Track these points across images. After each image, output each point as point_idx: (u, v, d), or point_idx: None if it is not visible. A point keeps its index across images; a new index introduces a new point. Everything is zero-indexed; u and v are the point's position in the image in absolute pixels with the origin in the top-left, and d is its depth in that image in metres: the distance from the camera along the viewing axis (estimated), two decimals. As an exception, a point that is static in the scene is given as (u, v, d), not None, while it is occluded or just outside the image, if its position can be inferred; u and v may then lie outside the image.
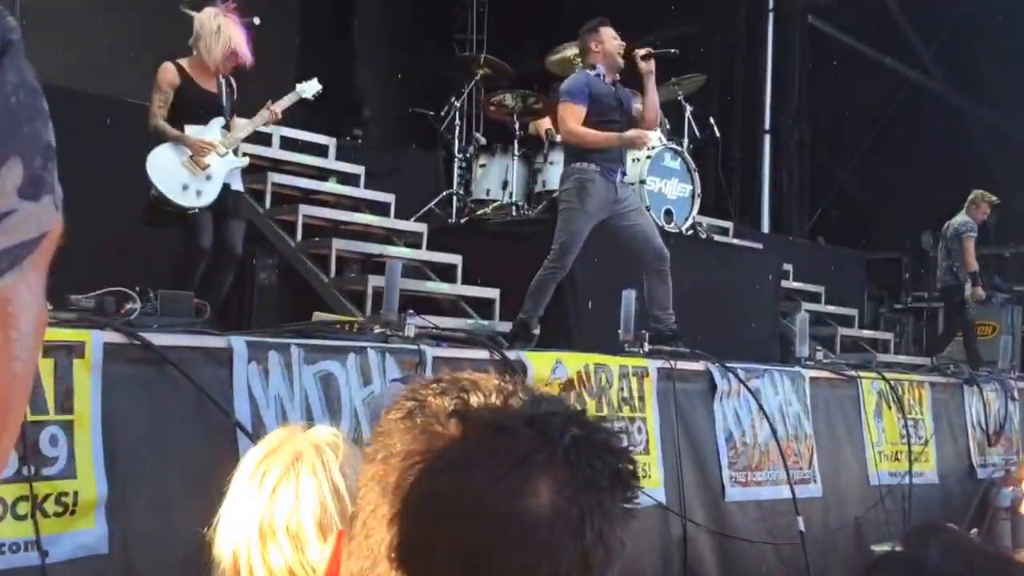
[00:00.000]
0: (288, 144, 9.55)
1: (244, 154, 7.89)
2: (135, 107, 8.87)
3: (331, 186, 9.42)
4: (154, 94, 7.34)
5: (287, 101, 7.92)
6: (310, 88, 8.11)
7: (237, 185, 7.64)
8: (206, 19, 7.44)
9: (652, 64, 8.04)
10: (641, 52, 8.01)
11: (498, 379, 1.22)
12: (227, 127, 7.55)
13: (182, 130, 7.32)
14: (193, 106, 7.41)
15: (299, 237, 8.38)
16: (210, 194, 7.31)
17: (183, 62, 7.46)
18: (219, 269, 7.47)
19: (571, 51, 9.85)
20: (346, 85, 14.29)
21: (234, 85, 7.71)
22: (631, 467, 1.20)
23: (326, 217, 8.83)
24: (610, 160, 7.81)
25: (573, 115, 7.73)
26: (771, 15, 15.69)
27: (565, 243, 7.71)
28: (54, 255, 1.14)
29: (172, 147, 7.27)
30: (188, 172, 7.22)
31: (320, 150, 9.86)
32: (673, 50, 8.58)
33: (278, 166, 9.16)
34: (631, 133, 7.81)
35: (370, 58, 15.12)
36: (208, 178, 7.32)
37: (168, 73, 7.37)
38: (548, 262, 7.73)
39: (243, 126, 7.66)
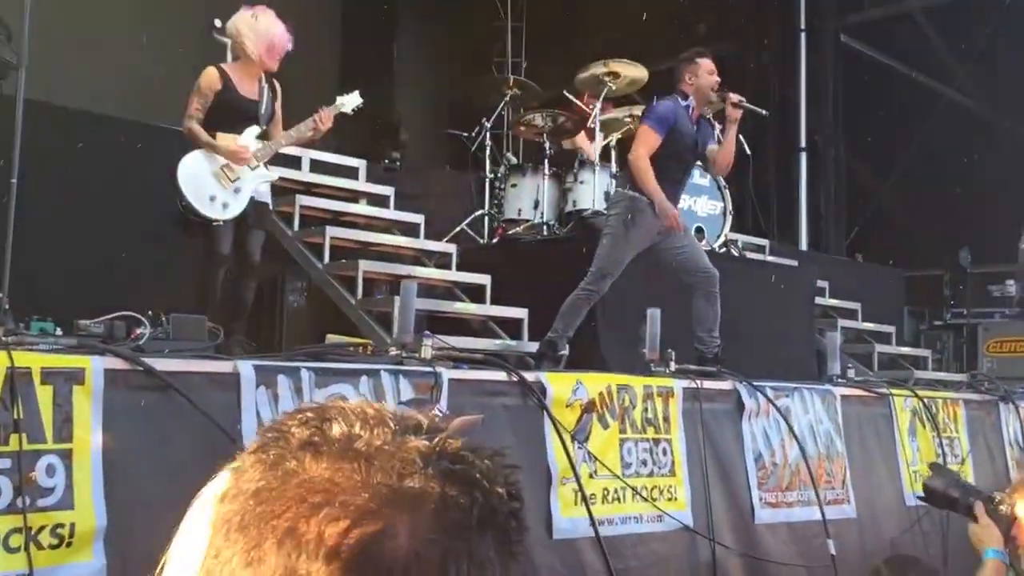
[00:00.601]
0: (318, 167, 9.36)
1: (270, 166, 7.52)
2: (170, 132, 8.76)
3: (360, 207, 9.22)
4: (193, 96, 7.05)
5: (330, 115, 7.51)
6: (351, 101, 7.62)
7: (263, 197, 7.31)
8: (241, 16, 7.17)
9: (739, 113, 7.85)
10: (734, 99, 7.82)
11: (369, 407, 1.09)
12: (263, 136, 7.24)
13: (214, 137, 7.01)
14: (230, 113, 7.11)
15: (326, 259, 8.16)
16: (236, 208, 7.01)
17: (226, 67, 7.22)
18: (240, 279, 7.18)
19: (599, 69, 9.70)
20: (386, 109, 14.18)
21: (278, 89, 7.40)
22: (512, 505, 1.06)
23: (355, 239, 8.62)
24: (667, 196, 7.55)
25: (647, 142, 7.53)
26: (803, 35, 15.42)
27: (604, 268, 7.49)
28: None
29: (204, 155, 6.97)
30: (217, 183, 6.93)
31: (351, 172, 9.67)
32: (764, 111, 8.66)
33: (309, 189, 8.97)
34: (670, 215, 7.46)
35: (409, 82, 15.02)
36: (236, 191, 7.02)
37: (210, 77, 7.09)
38: (585, 284, 7.50)
39: (279, 139, 7.33)
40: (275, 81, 7.37)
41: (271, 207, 7.55)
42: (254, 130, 7.16)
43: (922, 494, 3.85)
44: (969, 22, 14.32)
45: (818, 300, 11.11)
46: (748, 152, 10.78)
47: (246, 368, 4.87)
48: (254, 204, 7.15)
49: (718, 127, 8.15)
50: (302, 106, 13.46)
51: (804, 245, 15.03)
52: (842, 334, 10.93)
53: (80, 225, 7.49)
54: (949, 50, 14.82)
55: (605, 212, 8.18)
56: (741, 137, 10.45)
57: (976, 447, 8.92)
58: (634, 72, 9.88)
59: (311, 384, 5.08)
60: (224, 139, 7.01)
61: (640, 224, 7.47)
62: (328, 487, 1.00)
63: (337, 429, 1.04)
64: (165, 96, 7.01)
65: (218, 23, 10.01)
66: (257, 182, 7.15)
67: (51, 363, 4.33)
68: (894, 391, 8.39)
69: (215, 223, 6.91)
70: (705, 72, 7.80)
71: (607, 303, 8.25)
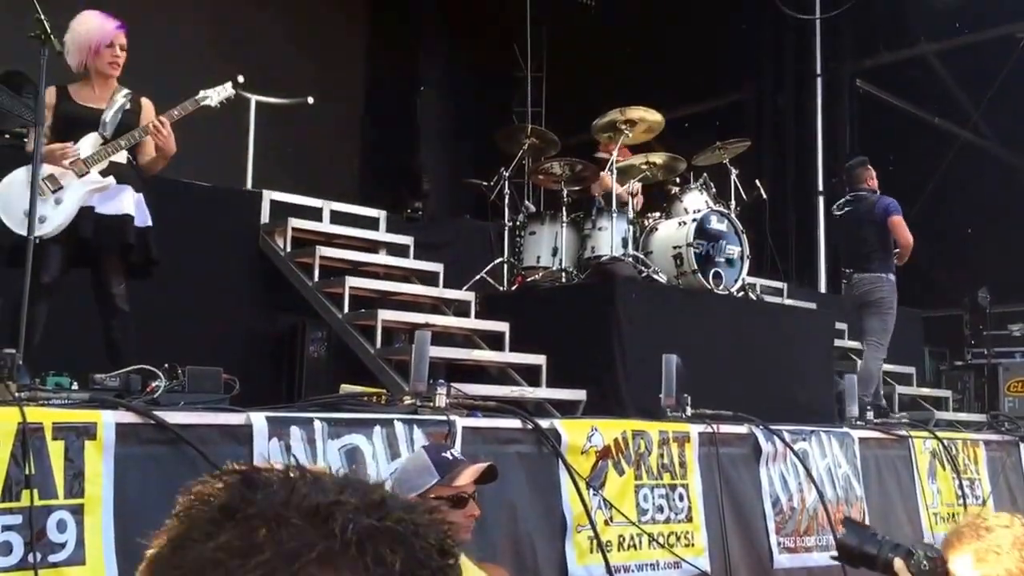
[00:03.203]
0: (338, 218, 9.34)
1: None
2: (189, 187, 8.75)
3: (380, 257, 9.17)
4: None
5: (181, 110, 6.56)
6: (218, 94, 6.73)
7: (106, 208, 6.29)
8: (68, 32, 6.31)
9: None
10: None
11: (292, 467, 1.07)
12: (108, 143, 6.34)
13: None
14: (68, 124, 6.27)
15: (346, 309, 8.11)
16: (55, 221, 6.05)
17: (70, 84, 6.44)
18: (103, 318, 6.34)
19: (616, 116, 9.67)
20: (408, 160, 14.21)
21: (146, 106, 6.60)
22: (444, 562, 1.03)
23: (375, 288, 8.57)
24: None
25: (905, 226, 9.99)
26: (819, 80, 15.37)
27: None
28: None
29: (26, 169, 5.95)
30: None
31: (371, 223, 9.64)
32: None
33: (329, 240, 8.93)
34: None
35: (432, 133, 15.04)
36: (58, 202, 6.08)
37: (47, 95, 6.11)
38: (878, 353, 10.02)
39: (117, 142, 6.35)
40: (143, 98, 6.66)
41: (142, 223, 6.48)
42: (92, 137, 6.33)
43: (835, 553, 3.64)
44: (983, 63, 14.24)
45: (837, 342, 10.99)
46: (765, 196, 10.72)
47: (258, 420, 4.80)
48: (91, 217, 6.25)
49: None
50: (325, 158, 13.50)
51: (823, 288, 14.90)
52: (862, 376, 10.83)
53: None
54: (963, 92, 14.74)
55: (885, 294, 10.34)
56: (758, 182, 10.47)
57: (997, 488, 8.75)
58: (650, 119, 9.85)
59: (324, 435, 5.00)
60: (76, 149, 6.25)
61: None
62: (242, 548, 0.98)
63: (261, 489, 1.02)
64: (184, 150, 6.96)
65: (241, 79, 10.04)
66: (85, 190, 6.20)
67: (63, 418, 4.28)
68: (913, 433, 8.26)
69: (33, 240, 5.73)
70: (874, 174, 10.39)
71: (626, 350, 8.19)
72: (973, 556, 3.01)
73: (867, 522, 7.52)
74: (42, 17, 5.54)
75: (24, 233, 5.71)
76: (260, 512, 1.00)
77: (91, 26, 6.38)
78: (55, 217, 6.08)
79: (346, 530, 0.98)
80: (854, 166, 10.55)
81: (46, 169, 5.99)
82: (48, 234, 6.03)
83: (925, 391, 12.12)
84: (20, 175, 6.08)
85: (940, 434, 8.50)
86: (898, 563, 3.22)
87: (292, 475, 1.05)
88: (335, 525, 0.98)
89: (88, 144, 6.30)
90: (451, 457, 4.16)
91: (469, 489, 4.09)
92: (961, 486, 8.32)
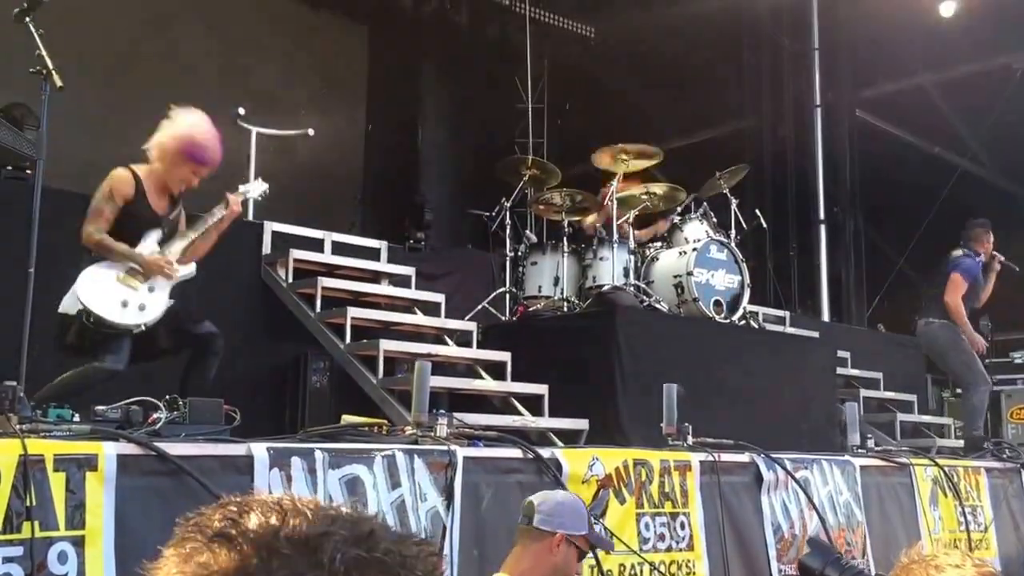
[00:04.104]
0: (340, 249, 9.33)
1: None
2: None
3: (382, 288, 9.17)
4: (103, 203, 6.22)
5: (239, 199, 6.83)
6: (256, 188, 7.12)
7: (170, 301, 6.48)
8: (179, 122, 6.39)
9: (998, 265, 10.61)
10: (1000, 258, 10.65)
11: (288, 498, 1.11)
12: (164, 241, 6.43)
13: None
14: (135, 226, 6.29)
15: (348, 339, 8.11)
16: (156, 308, 6.25)
17: (140, 171, 6.36)
18: (213, 353, 6.55)
19: (618, 146, 9.68)
20: (410, 190, 14.22)
21: (179, 202, 6.66)
22: None
23: (376, 318, 8.56)
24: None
25: (959, 288, 10.10)
26: (818, 110, 15.42)
27: (979, 371, 10.20)
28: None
29: (104, 265, 6.19)
30: (124, 287, 6.15)
31: (372, 253, 9.64)
32: (1017, 268, 10.92)
33: (331, 271, 8.92)
34: (979, 343, 10.27)
35: (434, 164, 15.06)
36: (151, 290, 6.26)
37: (125, 184, 6.23)
38: (979, 392, 10.14)
39: (201, 242, 6.62)
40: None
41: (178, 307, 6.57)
42: (155, 235, 6.40)
43: (796, 574, 3.52)
44: (981, 93, 14.29)
45: (840, 370, 10.98)
46: (765, 225, 10.74)
47: (259, 450, 4.80)
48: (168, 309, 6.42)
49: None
50: (328, 192, 13.48)
51: (826, 316, 14.89)
52: (865, 403, 10.83)
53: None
54: (962, 121, 14.78)
55: (931, 339, 10.58)
56: (758, 211, 10.50)
57: (999, 515, 8.72)
58: (649, 153, 9.88)
59: (325, 465, 5.00)
60: (142, 248, 6.31)
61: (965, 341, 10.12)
62: None
63: (254, 520, 1.06)
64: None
65: (242, 111, 10.07)
66: (175, 279, 6.46)
67: (64, 450, 4.27)
68: (914, 460, 8.24)
69: (135, 329, 6.18)
70: (992, 241, 10.51)
71: (627, 379, 8.18)
72: None
73: (868, 549, 7.50)
74: (43, 53, 5.55)
75: (128, 321, 6.11)
76: (251, 541, 1.03)
77: (209, 140, 6.44)
78: (154, 307, 6.28)
79: (334, 560, 1.01)
80: (975, 225, 10.62)
81: (125, 264, 6.19)
82: (149, 322, 6.23)
83: (927, 419, 12.10)
84: (101, 272, 6.16)
85: (941, 461, 8.48)
86: None
87: (284, 506, 1.08)
88: (324, 556, 1.01)
89: (153, 241, 6.37)
90: (593, 520, 4.82)
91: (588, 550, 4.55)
92: (963, 513, 8.29)
